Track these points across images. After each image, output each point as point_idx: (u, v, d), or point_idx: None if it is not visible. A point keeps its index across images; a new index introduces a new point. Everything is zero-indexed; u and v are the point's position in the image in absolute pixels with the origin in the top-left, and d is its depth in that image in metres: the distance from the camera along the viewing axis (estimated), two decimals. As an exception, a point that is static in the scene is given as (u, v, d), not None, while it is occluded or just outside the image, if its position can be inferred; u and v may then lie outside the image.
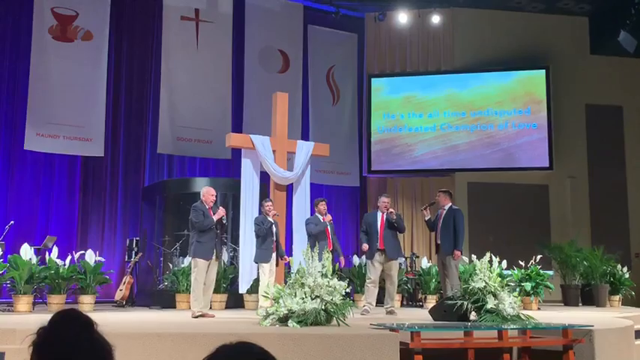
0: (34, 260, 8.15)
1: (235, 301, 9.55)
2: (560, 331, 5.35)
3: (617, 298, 10.87)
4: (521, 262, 10.12)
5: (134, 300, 10.44)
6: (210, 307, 7.96)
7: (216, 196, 7.70)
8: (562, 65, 13.76)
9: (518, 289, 9.21)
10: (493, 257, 6.74)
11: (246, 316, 7.37)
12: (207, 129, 12.49)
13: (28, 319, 6.60)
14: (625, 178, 13.91)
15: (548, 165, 13.42)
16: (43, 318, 1.77)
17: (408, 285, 10.90)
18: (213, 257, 7.40)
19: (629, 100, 14.06)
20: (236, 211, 9.77)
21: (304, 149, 9.26)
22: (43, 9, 11.48)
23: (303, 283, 5.76)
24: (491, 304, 6.13)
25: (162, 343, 4.67)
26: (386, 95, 14.28)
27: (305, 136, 13.04)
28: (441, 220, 8.46)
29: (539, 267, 10.04)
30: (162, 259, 10.89)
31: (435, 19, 13.92)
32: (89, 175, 12.09)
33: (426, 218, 8.74)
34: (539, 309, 9.56)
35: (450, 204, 8.62)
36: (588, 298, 10.74)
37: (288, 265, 9.13)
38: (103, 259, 9.05)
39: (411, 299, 11.05)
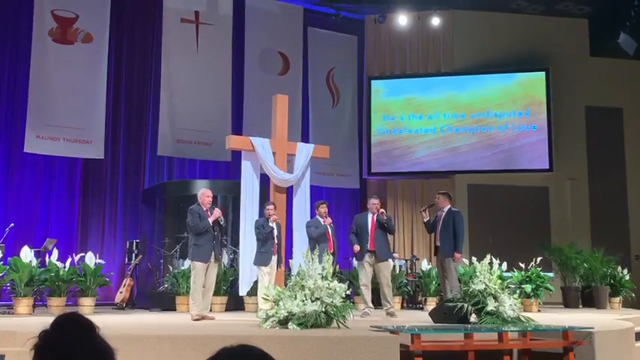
0: (34, 263, 8.15)
1: (235, 304, 9.54)
2: (560, 333, 5.35)
3: (617, 300, 10.87)
4: (521, 264, 10.12)
5: (134, 302, 10.43)
6: (210, 310, 7.96)
7: (214, 197, 7.69)
8: (562, 67, 13.76)
9: (518, 291, 9.21)
10: (493, 259, 6.72)
11: (246, 319, 7.36)
12: (207, 131, 12.49)
13: (28, 321, 6.61)
14: (625, 179, 13.90)
15: (548, 167, 13.42)
16: (43, 320, 1.77)
17: (408, 287, 10.89)
18: (212, 259, 7.38)
19: (629, 102, 14.06)
20: (236, 214, 9.77)
21: (304, 151, 9.26)
22: (43, 11, 11.48)
23: (303, 286, 5.76)
24: (491, 306, 6.13)
25: (162, 345, 4.67)
26: (386, 97, 14.29)
27: (305, 138, 13.04)
28: (440, 222, 8.47)
29: (540, 269, 10.03)
30: (162, 261, 10.89)
31: (435, 21, 13.92)
32: (89, 177, 12.08)
33: (425, 220, 8.75)
34: (539, 311, 9.56)
35: (450, 206, 8.63)
36: (588, 300, 10.74)
37: (288, 268, 9.13)
38: (103, 262, 9.05)
39: (411, 301, 11.05)
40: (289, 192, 9.37)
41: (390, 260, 8.90)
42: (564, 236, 12.75)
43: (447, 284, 8.35)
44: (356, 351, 4.71)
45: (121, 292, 10.10)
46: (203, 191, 7.66)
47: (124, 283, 10.28)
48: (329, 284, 5.76)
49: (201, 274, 7.32)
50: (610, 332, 5.77)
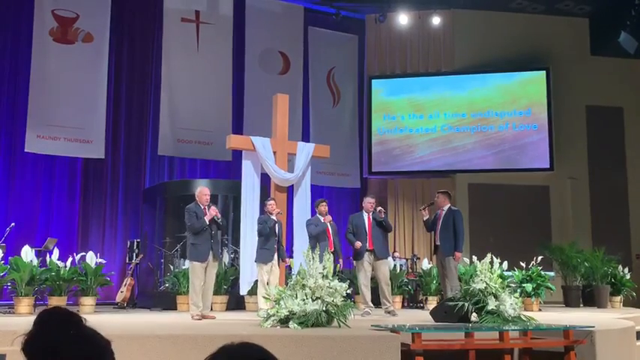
0: (35, 262, 8.15)
1: (236, 303, 9.55)
2: (561, 332, 5.34)
3: (618, 299, 10.87)
4: (522, 263, 10.11)
5: (135, 302, 10.44)
6: (211, 309, 7.95)
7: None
8: (562, 66, 13.76)
9: (519, 290, 9.21)
10: (494, 258, 6.72)
11: (247, 318, 7.35)
12: (208, 131, 12.50)
13: (29, 321, 6.59)
14: (626, 178, 13.91)
15: (548, 166, 13.43)
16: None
17: (409, 286, 10.89)
18: (211, 259, 7.33)
19: (630, 101, 14.06)
20: (237, 213, 9.77)
21: (305, 151, 9.26)
22: (43, 11, 11.49)
23: (304, 285, 5.76)
24: (492, 305, 6.12)
25: (163, 344, 4.67)
26: (386, 96, 14.29)
27: (305, 138, 13.04)
28: (440, 221, 8.46)
29: (540, 268, 10.03)
30: (162, 260, 10.89)
31: (436, 20, 13.93)
32: (90, 176, 12.10)
33: (425, 218, 8.75)
34: (540, 310, 9.56)
35: (449, 205, 8.62)
36: (589, 299, 10.73)
37: (288, 267, 9.13)
38: (103, 261, 9.05)
39: (412, 300, 11.05)
40: (290, 191, 9.38)
41: (390, 258, 8.90)
42: (565, 235, 12.76)
43: (447, 283, 8.34)
44: (357, 350, 4.71)
45: (121, 292, 10.10)
46: (200, 189, 7.56)
47: (124, 282, 10.28)
48: (330, 283, 5.76)
49: (200, 274, 7.27)
50: (611, 331, 5.76)
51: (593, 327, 5.41)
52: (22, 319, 7.09)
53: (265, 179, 9.14)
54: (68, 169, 11.90)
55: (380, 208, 8.39)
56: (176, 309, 9.33)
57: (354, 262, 8.53)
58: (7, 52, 11.57)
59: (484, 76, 13.98)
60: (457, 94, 14.01)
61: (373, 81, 14.37)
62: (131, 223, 12.30)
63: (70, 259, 8.55)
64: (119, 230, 12.24)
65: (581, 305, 10.71)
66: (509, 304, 6.18)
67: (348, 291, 5.98)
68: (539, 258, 10.15)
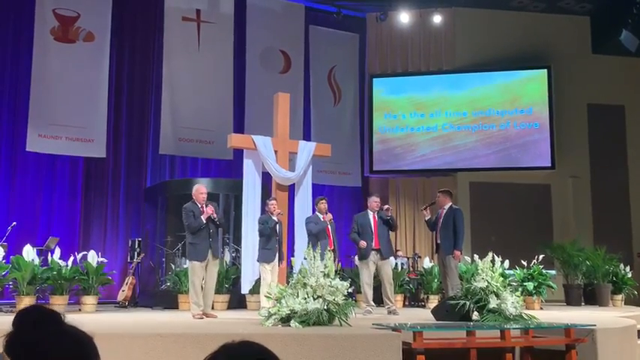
0: (37, 261, 8.16)
1: (238, 302, 9.55)
2: (562, 331, 5.34)
3: (619, 297, 10.87)
4: (523, 262, 10.11)
5: (136, 301, 10.45)
6: (212, 308, 7.95)
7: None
8: (564, 65, 13.75)
9: (520, 289, 9.20)
10: (495, 257, 6.72)
11: (248, 317, 7.36)
12: (209, 129, 12.50)
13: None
14: (627, 177, 13.90)
15: (550, 165, 13.41)
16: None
17: (410, 285, 10.89)
18: (210, 257, 7.30)
19: (631, 100, 14.05)
20: (238, 212, 9.77)
21: (306, 149, 9.26)
22: (44, 10, 11.49)
23: (305, 283, 5.76)
24: (493, 303, 6.13)
25: (165, 343, 4.67)
26: (387, 95, 14.29)
27: (306, 137, 13.04)
28: (440, 220, 8.47)
29: (542, 267, 10.03)
30: (164, 259, 10.90)
31: (437, 19, 13.92)
32: (91, 175, 12.10)
33: (426, 218, 8.76)
34: (541, 309, 9.56)
35: (450, 204, 8.62)
36: (591, 297, 10.73)
37: (290, 266, 9.13)
38: (105, 260, 9.05)
39: (413, 299, 11.05)
40: (291, 190, 9.38)
41: (392, 257, 8.90)
42: (566, 234, 12.75)
43: (448, 282, 8.34)
44: (358, 349, 4.71)
45: (123, 291, 10.11)
46: (197, 187, 7.50)
47: (126, 281, 10.29)
48: (331, 282, 5.76)
49: (199, 273, 7.25)
50: (612, 330, 5.76)
51: (595, 325, 5.41)
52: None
53: (266, 178, 9.14)
54: (69, 169, 11.90)
55: (387, 206, 8.39)
56: (177, 308, 9.34)
57: (359, 261, 8.50)
58: (8, 51, 11.58)
59: (485, 74, 13.96)
60: (458, 93, 14.00)
61: (374, 79, 14.37)
62: (132, 222, 12.31)
63: (71, 258, 8.55)
64: (120, 229, 12.24)
65: (583, 304, 10.71)
66: (511, 302, 6.18)
67: (350, 290, 5.98)
68: (541, 256, 10.16)
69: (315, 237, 8.26)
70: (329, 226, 8.59)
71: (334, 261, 8.43)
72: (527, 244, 11.39)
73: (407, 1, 13.86)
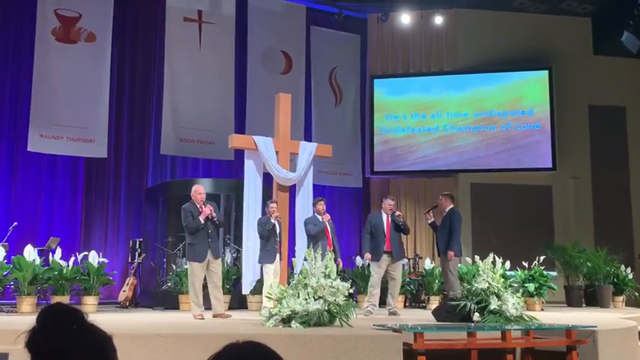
0: (38, 261, 8.17)
1: (239, 302, 9.55)
2: (563, 332, 5.34)
3: (620, 298, 10.86)
4: (524, 263, 10.11)
5: (137, 301, 10.45)
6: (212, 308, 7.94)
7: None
8: (565, 66, 13.74)
9: (521, 290, 9.20)
10: (496, 258, 6.72)
11: (249, 317, 7.36)
12: (210, 130, 12.50)
13: (31, 320, 6.61)
14: (628, 178, 13.88)
15: (551, 166, 13.40)
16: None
17: (411, 286, 10.89)
18: (210, 257, 7.26)
19: (633, 101, 14.03)
20: (239, 212, 9.77)
21: (307, 150, 9.26)
22: (46, 10, 11.50)
23: (306, 284, 5.76)
24: (494, 304, 6.13)
25: (166, 344, 4.67)
26: (388, 96, 14.28)
27: (307, 137, 13.04)
28: (440, 222, 8.53)
29: (543, 268, 10.02)
30: (165, 260, 10.91)
31: (438, 20, 13.91)
32: (92, 176, 12.11)
33: (429, 221, 8.79)
34: (542, 310, 9.56)
35: (452, 206, 8.64)
36: (592, 299, 10.72)
37: (291, 266, 9.13)
38: (106, 261, 9.07)
39: (414, 300, 11.05)
40: (292, 191, 9.37)
41: (404, 260, 8.91)
42: (567, 235, 12.73)
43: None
44: (359, 349, 4.71)
45: (124, 291, 10.11)
46: (195, 188, 7.49)
47: (127, 281, 10.29)
48: (332, 283, 5.76)
49: (199, 274, 7.21)
50: (613, 331, 5.76)
51: (596, 327, 5.41)
52: (25, 318, 7.10)
53: (267, 179, 9.14)
54: (71, 169, 11.91)
55: (398, 212, 8.40)
56: (178, 308, 9.35)
57: (371, 262, 8.48)
58: (10, 51, 11.59)
59: (486, 75, 13.95)
60: (459, 94, 13.99)
61: (375, 80, 14.36)
62: (133, 222, 12.32)
63: (72, 259, 8.57)
64: (121, 229, 12.25)
65: (584, 305, 10.70)
66: (512, 303, 6.18)
67: (351, 290, 5.98)
68: (542, 258, 10.15)
69: (315, 238, 8.26)
70: (328, 227, 8.59)
71: (335, 261, 8.48)
72: (528, 245, 11.39)
73: (408, 2, 13.85)
